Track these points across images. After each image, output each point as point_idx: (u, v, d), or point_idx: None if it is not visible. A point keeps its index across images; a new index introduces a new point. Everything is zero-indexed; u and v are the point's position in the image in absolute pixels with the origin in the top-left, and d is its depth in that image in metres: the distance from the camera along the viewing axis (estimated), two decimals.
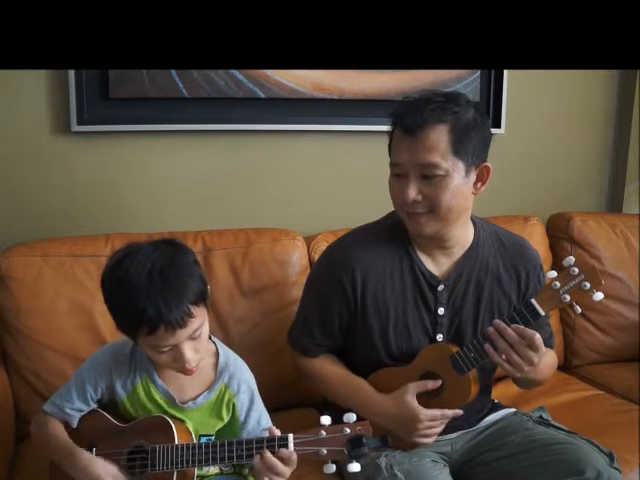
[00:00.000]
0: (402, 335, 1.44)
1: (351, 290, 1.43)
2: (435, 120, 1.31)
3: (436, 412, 1.38)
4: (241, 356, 1.38)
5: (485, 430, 1.53)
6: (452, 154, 1.31)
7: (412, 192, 1.33)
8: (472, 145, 1.33)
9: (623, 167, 2.48)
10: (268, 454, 1.15)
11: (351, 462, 1.13)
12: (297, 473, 1.41)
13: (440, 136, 1.31)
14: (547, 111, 2.40)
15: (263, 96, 2.00)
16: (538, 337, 1.29)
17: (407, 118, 1.32)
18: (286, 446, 1.15)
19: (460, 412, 1.40)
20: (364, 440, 1.12)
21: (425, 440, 1.40)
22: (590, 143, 2.50)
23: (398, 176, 1.37)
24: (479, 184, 1.39)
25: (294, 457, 1.16)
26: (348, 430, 1.13)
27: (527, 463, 1.40)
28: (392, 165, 1.39)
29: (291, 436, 1.15)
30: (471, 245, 1.46)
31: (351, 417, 1.15)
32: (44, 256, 1.71)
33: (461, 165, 1.33)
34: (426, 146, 1.31)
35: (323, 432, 1.14)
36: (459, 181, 1.33)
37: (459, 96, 1.38)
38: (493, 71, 2.24)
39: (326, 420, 1.15)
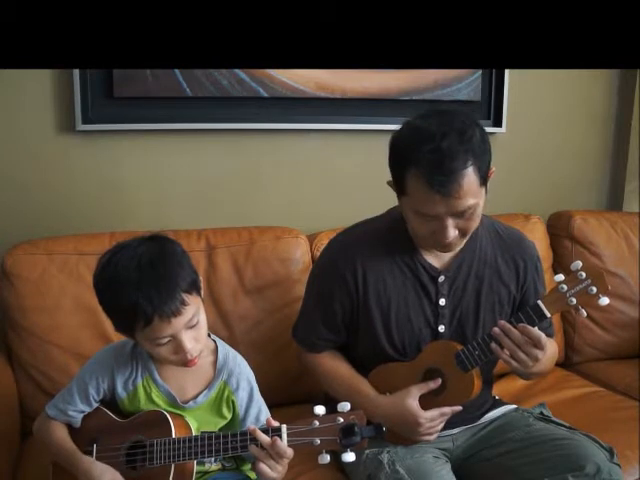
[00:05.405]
0: (404, 326, 1.45)
1: (353, 282, 1.45)
2: (461, 168, 1.26)
3: (435, 413, 1.39)
4: (244, 353, 1.39)
5: (486, 426, 1.54)
6: (480, 187, 1.30)
7: (452, 233, 1.32)
8: (487, 163, 1.32)
9: (623, 166, 2.49)
10: (265, 438, 1.14)
11: (345, 452, 1.12)
12: (297, 470, 1.44)
13: (470, 179, 1.27)
14: (548, 110, 2.40)
15: (266, 95, 2.01)
16: (544, 337, 1.31)
17: (435, 178, 1.25)
18: (280, 437, 1.14)
19: (459, 408, 1.42)
20: (356, 429, 1.11)
21: (426, 438, 1.42)
22: (590, 142, 2.50)
23: (424, 217, 1.32)
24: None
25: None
26: (341, 419, 1.12)
27: (528, 459, 1.41)
28: (421, 214, 1.32)
29: (284, 427, 1.15)
30: (470, 237, 1.47)
31: (345, 406, 1.14)
32: (48, 254, 1.72)
33: (484, 189, 1.33)
34: (461, 195, 1.27)
35: (316, 422, 1.13)
36: (483, 201, 1.34)
37: (464, 121, 1.30)
38: (494, 71, 2.25)
39: (320, 410, 1.14)
